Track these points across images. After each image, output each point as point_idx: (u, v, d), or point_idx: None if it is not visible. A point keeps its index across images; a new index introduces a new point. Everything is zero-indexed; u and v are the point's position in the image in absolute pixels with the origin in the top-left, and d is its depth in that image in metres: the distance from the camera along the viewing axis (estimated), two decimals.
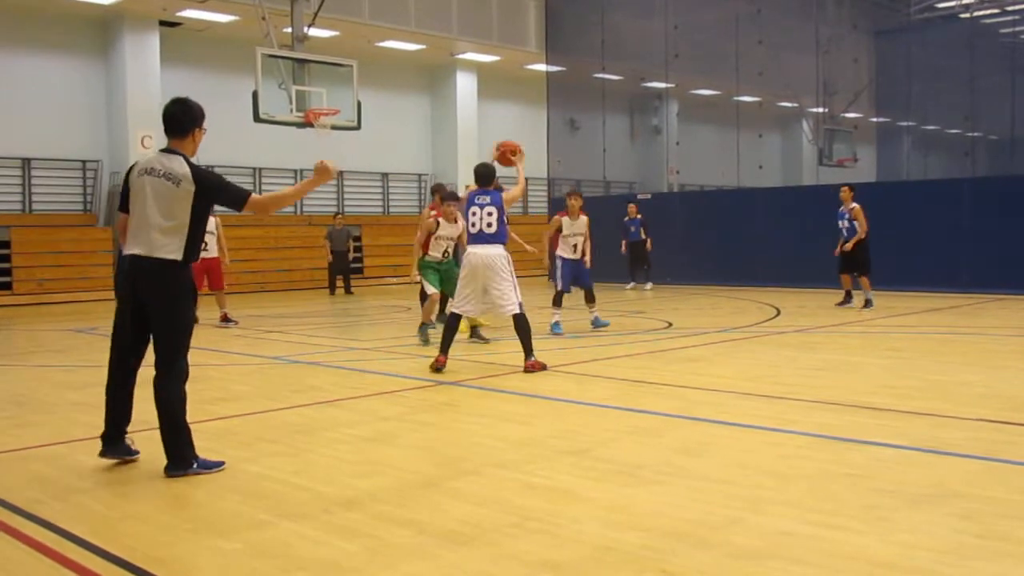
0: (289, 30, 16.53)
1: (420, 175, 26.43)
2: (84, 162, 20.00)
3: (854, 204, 14.16)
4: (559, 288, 11.97)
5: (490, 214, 8.80)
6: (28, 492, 4.70)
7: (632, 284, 19.89)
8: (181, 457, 4.95)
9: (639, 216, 19.71)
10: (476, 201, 8.96)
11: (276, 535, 3.97)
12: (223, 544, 3.87)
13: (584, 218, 12.02)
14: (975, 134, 27.92)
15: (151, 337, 5.04)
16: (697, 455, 5.22)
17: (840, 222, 14.34)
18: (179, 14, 19.67)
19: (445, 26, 22.87)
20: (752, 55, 24.76)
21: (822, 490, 4.48)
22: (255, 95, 15.03)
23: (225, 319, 13.54)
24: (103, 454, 5.16)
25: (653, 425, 6.14)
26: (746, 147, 25.08)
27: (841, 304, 14.40)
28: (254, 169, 22.89)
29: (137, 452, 5.25)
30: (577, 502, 4.35)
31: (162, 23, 20.14)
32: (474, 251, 8.67)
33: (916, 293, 16.84)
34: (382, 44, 22.84)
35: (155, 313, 4.95)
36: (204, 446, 5.62)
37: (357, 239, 22.52)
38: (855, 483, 4.58)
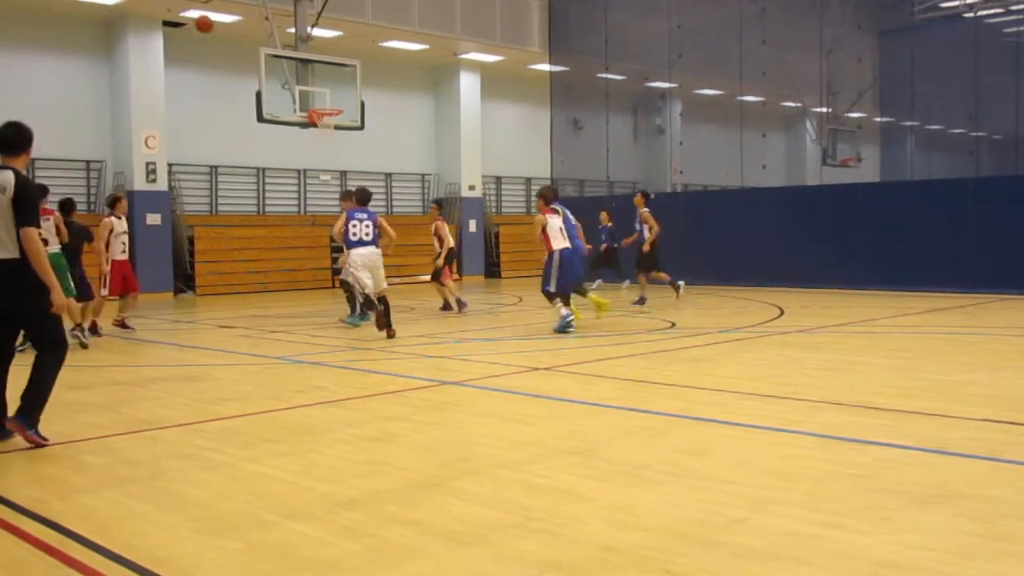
0: (292, 30, 16.53)
1: (423, 175, 26.44)
2: (88, 162, 20.03)
3: (644, 209, 15.25)
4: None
5: (368, 227, 11.55)
6: (30, 491, 4.70)
7: (626, 283, 19.47)
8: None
9: (610, 224, 19.56)
10: (356, 216, 11.59)
11: (279, 535, 3.97)
12: (226, 544, 3.87)
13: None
14: (979, 134, 27.87)
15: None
16: (701, 455, 5.21)
17: (636, 225, 15.51)
18: (183, 14, 19.68)
19: (448, 26, 22.87)
20: (756, 55, 24.72)
21: (826, 490, 4.47)
22: (259, 95, 15.03)
23: (122, 324, 12.63)
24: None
25: (657, 425, 6.14)
26: (750, 147, 25.05)
27: (636, 303, 14.96)
28: (258, 169, 22.92)
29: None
30: (580, 502, 4.34)
31: (166, 23, 20.16)
32: (360, 251, 11.46)
33: (920, 293, 16.81)
34: (385, 44, 22.85)
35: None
36: (207, 445, 5.64)
37: None
38: (859, 483, 4.57)
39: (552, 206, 11.95)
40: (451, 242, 14.97)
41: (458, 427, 6.29)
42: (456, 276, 16.71)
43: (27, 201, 5.64)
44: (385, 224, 11.72)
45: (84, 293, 11.49)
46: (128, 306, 12.74)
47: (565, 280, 11.70)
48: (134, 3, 18.81)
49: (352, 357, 9.83)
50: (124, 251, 12.30)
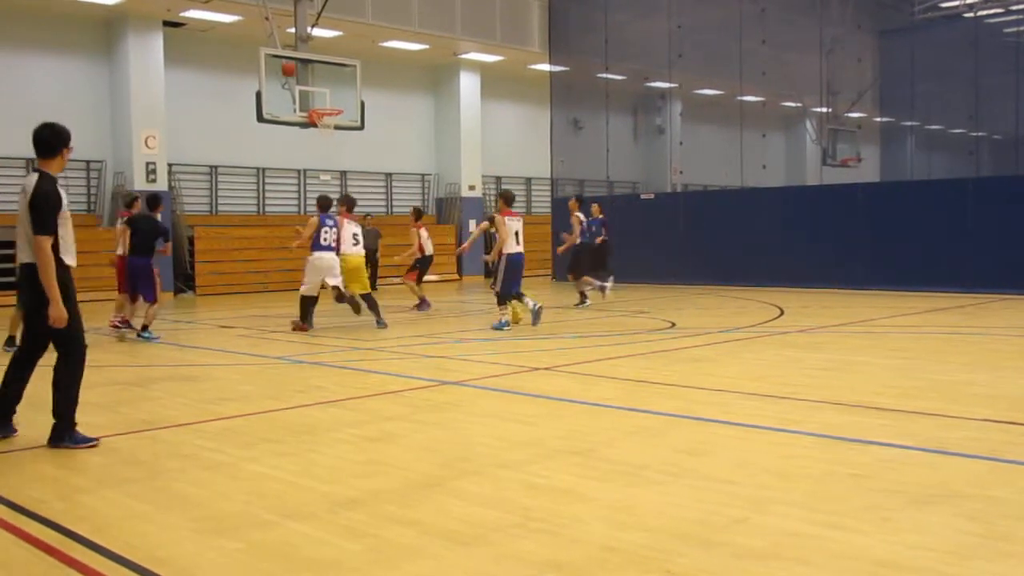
0: (292, 30, 16.53)
1: (423, 175, 26.44)
2: (88, 162, 20.03)
3: (576, 213, 15.70)
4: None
5: (334, 233, 12.39)
6: (31, 491, 4.70)
7: (606, 284, 19.32)
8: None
9: (601, 216, 18.54)
10: (327, 223, 12.35)
11: (279, 535, 3.97)
12: (226, 543, 3.87)
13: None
14: (979, 134, 27.87)
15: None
16: (701, 455, 5.21)
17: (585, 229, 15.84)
18: (183, 14, 19.69)
19: (448, 26, 22.87)
20: (756, 55, 24.72)
21: (826, 490, 4.47)
22: (258, 95, 15.03)
23: (124, 323, 12.40)
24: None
25: (657, 425, 6.14)
26: (750, 147, 25.05)
27: (578, 305, 15.16)
28: (258, 169, 22.93)
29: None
30: (580, 502, 4.34)
31: (166, 23, 20.16)
32: (323, 255, 12.26)
33: (920, 293, 16.82)
34: (385, 44, 22.85)
35: None
36: (207, 445, 5.64)
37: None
38: (859, 483, 4.57)
39: (512, 208, 12.49)
40: (428, 249, 15.32)
41: (458, 427, 6.29)
42: (435, 277, 16.64)
43: (40, 208, 5.56)
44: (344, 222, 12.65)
45: (148, 294, 11.61)
46: (134, 307, 12.72)
47: (513, 283, 12.14)
48: (134, 3, 18.81)
49: (352, 357, 9.83)
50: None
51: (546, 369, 8.58)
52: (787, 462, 5.01)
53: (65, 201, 5.73)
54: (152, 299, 11.59)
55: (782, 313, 13.83)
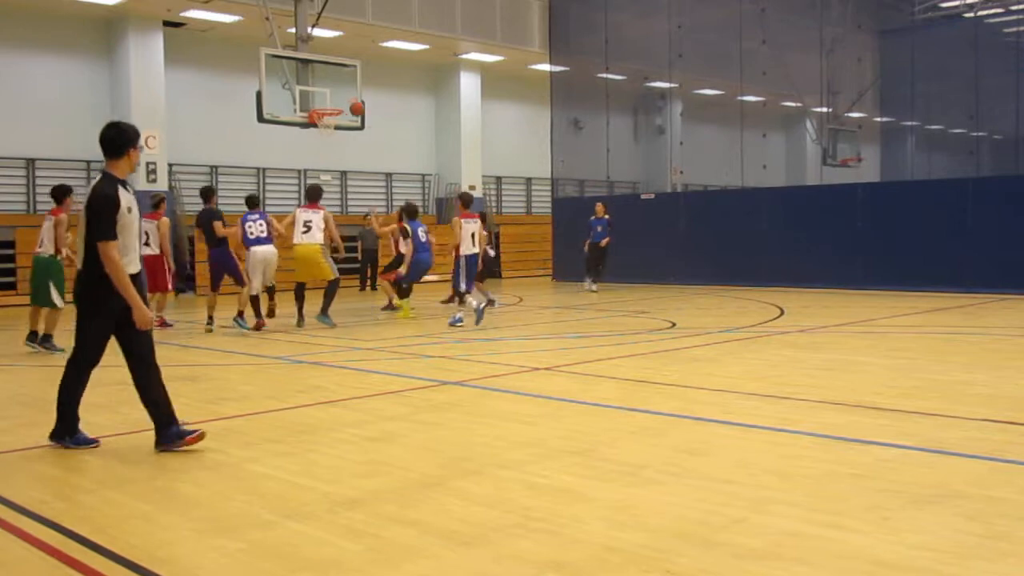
0: (293, 30, 16.55)
1: (424, 175, 26.44)
2: (88, 163, 20.03)
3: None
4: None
5: (262, 226, 12.77)
6: (32, 492, 4.71)
7: (589, 284, 18.93)
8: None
9: (606, 216, 18.87)
10: (250, 218, 12.78)
11: (280, 535, 3.98)
12: (227, 544, 3.87)
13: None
14: (979, 134, 27.87)
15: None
16: (701, 455, 5.22)
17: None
18: (183, 14, 19.70)
19: (449, 26, 22.88)
20: (756, 55, 24.73)
21: (826, 490, 4.47)
22: (259, 95, 15.04)
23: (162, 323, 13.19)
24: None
25: (657, 425, 6.14)
26: (750, 147, 25.05)
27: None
28: (258, 169, 22.93)
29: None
30: (581, 502, 4.35)
31: (166, 23, 20.17)
32: (255, 250, 12.68)
33: (920, 293, 16.82)
34: (386, 44, 22.86)
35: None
36: (208, 445, 5.64)
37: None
38: (859, 483, 4.57)
39: (470, 211, 13.36)
40: (405, 248, 15.24)
41: (458, 427, 6.29)
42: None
43: (98, 211, 5.33)
44: (274, 222, 13.14)
45: (239, 278, 12.57)
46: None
47: (470, 282, 12.95)
48: (134, 3, 18.82)
49: (352, 357, 9.83)
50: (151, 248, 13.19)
51: (546, 369, 8.58)
52: (787, 462, 5.02)
53: (126, 204, 5.45)
54: (243, 282, 12.44)
55: (782, 313, 13.84)
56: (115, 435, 6.05)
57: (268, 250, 12.77)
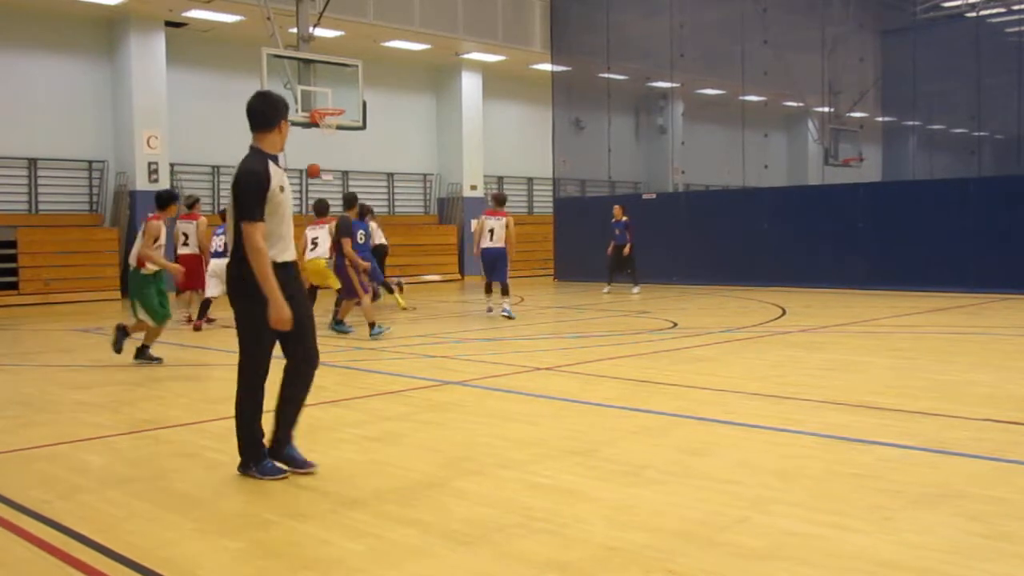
0: (294, 30, 16.55)
1: (425, 175, 26.43)
2: (90, 162, 20.04)
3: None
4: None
5: (221, 240, 13.08)
6: (34, 492, 4.71)
7: (608, 288, 18.76)
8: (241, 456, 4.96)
9: (624, 219, 18.70)
10: (217, 232, 13.29)
11: (281, 534, 3.98)
12: (228, 543, 3.87)
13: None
14: (981, 133, 27.83)
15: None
16: (702, 455, 5.21)
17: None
18: (185, 15, 19.69)
19: (450, 26, 22.86)
20: (758, 54, 24.71)
21: (827, 490, 4.47)
22: None
23: (190, 320, 13.51)
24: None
25: (658, 425, 6.14)
26: (751, 147, 25.03)
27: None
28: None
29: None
30: (582, 502, 4.34)
31: (168, 24, 20.16)
32: (214, 262, 13.18)
33: (921, 293, 16.81)
34: (387, 44, 22.85)
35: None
36: (209, 445, 5.64)
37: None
38: (861, 483, 4.57)
39: (498, 209, 14.05)
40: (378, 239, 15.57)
41: (460, 427, 6.29)
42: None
43: (245, 189, 4.69)
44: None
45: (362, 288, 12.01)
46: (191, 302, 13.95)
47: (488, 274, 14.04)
48: (136, 3, 18.82)
49: (354, 357, 9.83)
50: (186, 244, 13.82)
51: (548, 369, 8.58)
52: (789, 462, 5.01)
53: (277, 183, 4.78)
54: (351, 295, 11.80)
55: (784, 313, 13.83)
56: (116, 435, 6.05)
57: (220, 263, 12.99)
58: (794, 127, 32.98)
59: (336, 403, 7.10)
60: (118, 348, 9.39)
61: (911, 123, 31.94)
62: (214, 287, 13.18)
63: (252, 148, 4.87)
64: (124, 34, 19.82)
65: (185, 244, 13.69)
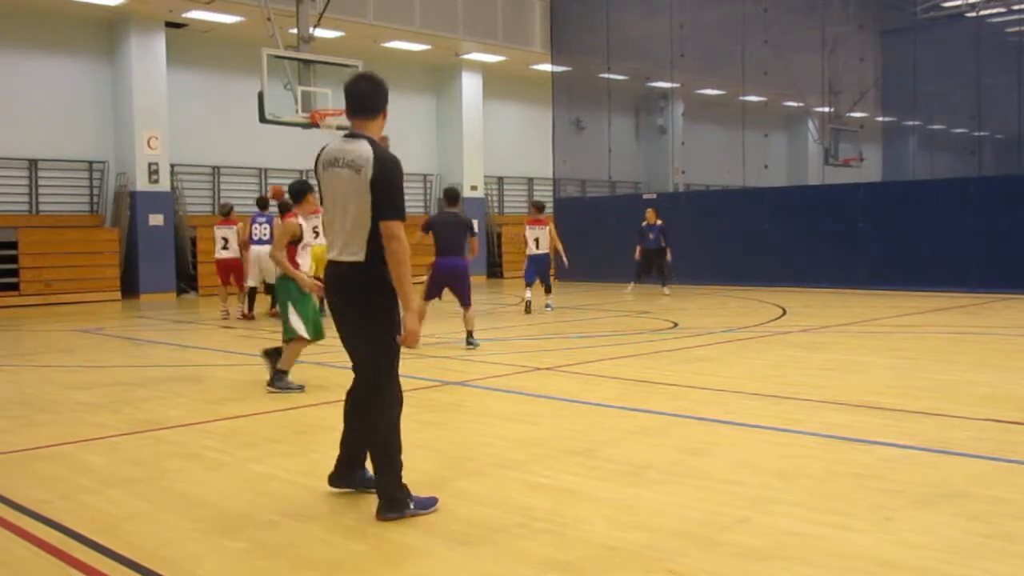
0: (294, 31, 16.54)
1: (425, 175, 26.43)
2: (91, 163, 20.03)
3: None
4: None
5: (265, 229, 13.80)
6: (35, 492, 4.71)
7: (632, 287, 18.60)
8: (392, 498, 4.20)
9: (659, 222, 18.17)
10: (258, 220, 13.78)
11: (283, 535, 3.98)
12: (230, 544, 3.87)
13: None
14: (981, 133, 27.84)
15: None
16: (703, 455, 5.21)
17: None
18: (185, 15, 19.68)
19: (450, 26, 22.86)
20: (758, 54, 24.71)
21: (828, 490, 4.47)
22: (261, 96, 15.03)
23: (244, 316, 14.43)
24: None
25: (659, 425, 6.14)
26: (752, 147, 25.03)
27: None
28: (260, 170, 22.92)
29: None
30: (583, 502, 4.35)
31: (168, 24, 20.16)
32: (258, 249, 13.66)
33: (922, 293, 16.81)
34: (387, 44, 22.84)
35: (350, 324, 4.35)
36: (210, 445, 5.64)
37: None
38: (861, 483, 4.57)
39: (538, 216, 14.51)
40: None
41: (461, 427, 6.30)
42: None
43: (388, 182, 4.15)
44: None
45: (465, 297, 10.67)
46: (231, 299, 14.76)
47: (529, 276, 14.55)
48: (136, 4, 18.81)
49: None
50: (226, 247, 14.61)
51: (549, 369, 8.59)
52: (789, 462, 5.02)
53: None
54: (466, 304, 10.37)
55: (784, 313, 13.83)
56: (118, 435, 6.06)
57: (264, 250, 13.46)
58: (794, 127, 32.98)
59: (337, 403, 7.07)
60: (279, 384, 7.63)
61: (911, 123, 31.95)
62: (255, 276, 13.95)
63: (367, 138, 4.24)
64: (124, 35, 19.82)
65: (225, 248, 14.56)
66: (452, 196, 10.66)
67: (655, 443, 5.57)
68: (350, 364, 4.55)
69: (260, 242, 13.85)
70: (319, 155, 4.39)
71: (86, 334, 12.73)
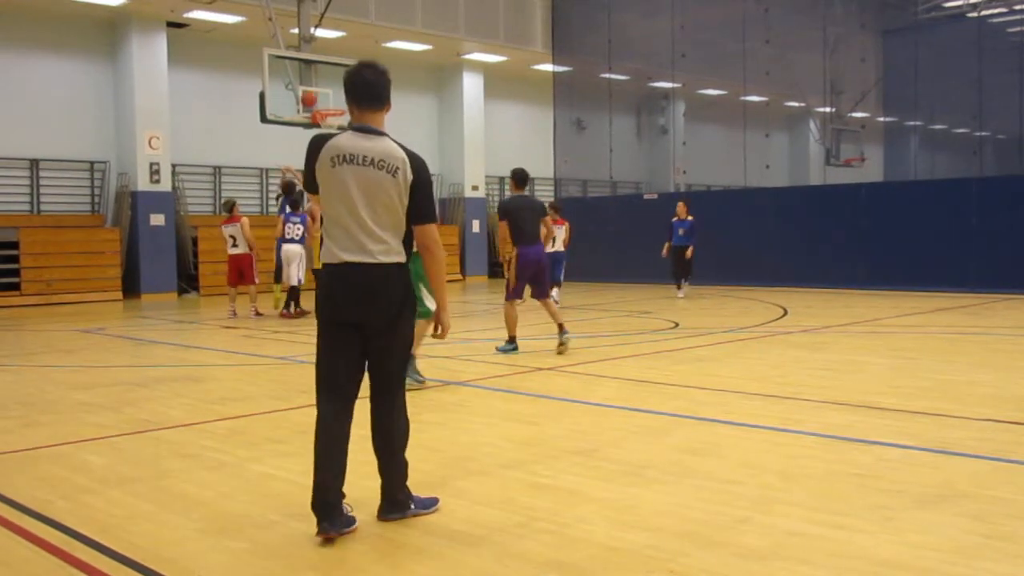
0: (296, 31, 16.55)
1: None
2: (92, 163, 20.05)
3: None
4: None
5: (299, 229, 14.41)
6: (36, 492, 4.71)
7: (681, 291, 17.76)
8: (394, 499, 4.23)
9: (690, 217, 17.54)
10: (291, 219, 14.45)
11: (283, 535, 3.98)
12: (230, 543, 3.88)
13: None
14: (983, 133, 27.84)
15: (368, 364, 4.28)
16: (704, 455, 5.21)
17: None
18: (186, 15, 19.69)
19: (452, 26, 22.86)
20: (759, 54, 24.72)
21: (829, 490, 4.47)
22: (262, 96, 15.05)
23: (256, 313, 14.59)
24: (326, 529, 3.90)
25: (660, 425, 6.14)
26: (753, 147, 25.03)
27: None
28: (261, 170, 22.93)
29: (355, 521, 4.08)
30: (584, 502, 4.35)
31: (169, 24, 20.17)
32: (292, 247, 14.42)
33: (923, 293, 16.80)
34: (389, 45, 22.85)
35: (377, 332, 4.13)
36: (211, 446, 5.64)
37: None
38: (862, 483, 4.57)
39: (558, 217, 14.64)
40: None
41: (461, 427, 6.29)
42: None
43: (429, 187, 4.09)
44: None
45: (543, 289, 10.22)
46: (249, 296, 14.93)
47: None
48: (138, 4, 18.83)
49: None
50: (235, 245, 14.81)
51: (549, 369, 8.59)
52: (790, 462, 5.01)
53: None
54: (544, 295, 9.98)
55: (785, 313, 13.83)
56: (119, 435, 6.06)
57: (296, 248, 14.47)
58: (796, 127, 32.98)
59: None
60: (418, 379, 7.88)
61: (913, 123, 31.96)
62: (297, 272, 14.37)
63: (388, 135, 4.14)
64: (126, 35, 19.83)
65: (234, 246, 14.73)
66: (522, 178, 9.93)
67: (656, 443, 5.57)
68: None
69: (293, 241, 14.44)
70: (320, 148, 4.13)
71: (87, 334, 12.73)
